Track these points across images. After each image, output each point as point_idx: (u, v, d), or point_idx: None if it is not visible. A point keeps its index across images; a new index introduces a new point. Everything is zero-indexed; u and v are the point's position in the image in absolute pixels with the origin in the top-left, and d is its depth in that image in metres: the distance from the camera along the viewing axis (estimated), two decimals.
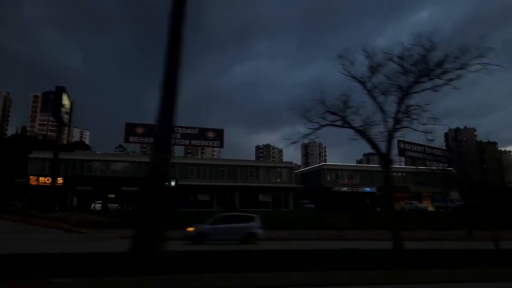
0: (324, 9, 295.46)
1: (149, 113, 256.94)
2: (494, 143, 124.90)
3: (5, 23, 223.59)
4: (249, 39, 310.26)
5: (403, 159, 65.69)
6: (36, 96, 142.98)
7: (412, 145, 64.99)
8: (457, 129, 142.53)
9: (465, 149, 53.44)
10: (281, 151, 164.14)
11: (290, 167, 60.64)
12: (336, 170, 62.80)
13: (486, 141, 58.62)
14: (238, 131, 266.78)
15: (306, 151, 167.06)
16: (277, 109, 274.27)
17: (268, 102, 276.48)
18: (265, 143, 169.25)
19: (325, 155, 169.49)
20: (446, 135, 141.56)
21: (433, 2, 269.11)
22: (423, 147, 65.22)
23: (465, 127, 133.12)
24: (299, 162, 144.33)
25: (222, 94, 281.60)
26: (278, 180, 57.94)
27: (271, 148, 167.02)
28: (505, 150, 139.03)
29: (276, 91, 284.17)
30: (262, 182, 56.45)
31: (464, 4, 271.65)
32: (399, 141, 54.67)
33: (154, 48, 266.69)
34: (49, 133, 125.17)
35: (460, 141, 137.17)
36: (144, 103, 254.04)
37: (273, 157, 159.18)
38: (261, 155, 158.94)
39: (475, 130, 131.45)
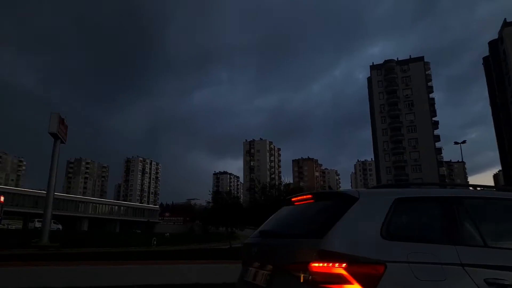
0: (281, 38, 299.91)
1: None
2: None
3: None
4: (208, 66, 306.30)
5: None
6: None
7: None
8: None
9: None
10: (238, 178, 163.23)
11: None
12: None
13: None
14: (200, 157, 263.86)
15: None
16: (237, 136, 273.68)
17: (228, 129, 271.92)
18: (222, 171, 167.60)
19: None
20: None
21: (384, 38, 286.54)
22: None
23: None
24: None
25: (182, 120, 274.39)
26: None
27: (228, 176, 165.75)
28: None
29: (236, 118, 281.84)
30: None
31: None
32: None
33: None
34: None
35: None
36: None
37: (230, 184, 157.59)
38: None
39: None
